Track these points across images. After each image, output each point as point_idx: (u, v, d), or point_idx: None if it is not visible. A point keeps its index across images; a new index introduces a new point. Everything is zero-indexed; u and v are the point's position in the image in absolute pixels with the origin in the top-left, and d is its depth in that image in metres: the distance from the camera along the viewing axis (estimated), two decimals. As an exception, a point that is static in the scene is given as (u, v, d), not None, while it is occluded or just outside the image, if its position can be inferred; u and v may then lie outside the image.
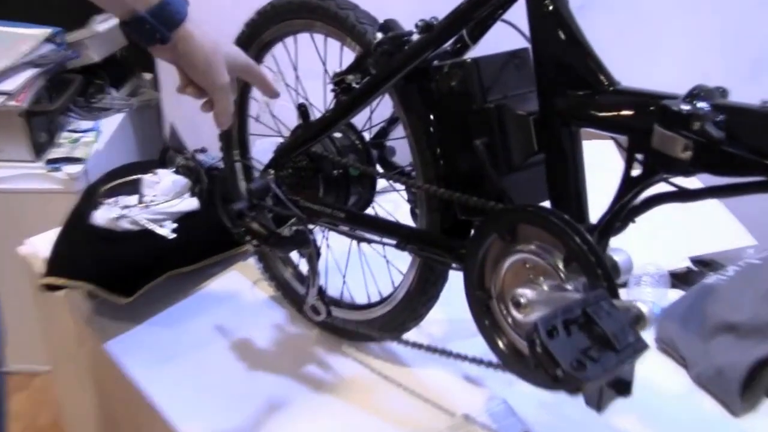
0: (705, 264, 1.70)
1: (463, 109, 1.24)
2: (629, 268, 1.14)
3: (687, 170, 0.98)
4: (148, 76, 3.36)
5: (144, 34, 1.14)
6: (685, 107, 0.95)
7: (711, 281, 1.52)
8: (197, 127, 2.26)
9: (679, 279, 1.70)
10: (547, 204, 1.19)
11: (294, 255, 1.76)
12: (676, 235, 1.79)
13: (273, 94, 1.39)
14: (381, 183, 1.59)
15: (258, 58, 1.69)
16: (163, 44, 1.15)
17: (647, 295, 1.64)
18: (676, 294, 1.66)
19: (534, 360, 0.92)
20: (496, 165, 1.22)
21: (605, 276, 1.04)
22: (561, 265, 1.10)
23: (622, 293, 1.63)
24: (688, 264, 1.73)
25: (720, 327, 1.40)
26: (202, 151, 2.07)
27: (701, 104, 0.96)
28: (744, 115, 0.94)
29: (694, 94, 0.97)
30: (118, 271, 1.73)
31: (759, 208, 1.91)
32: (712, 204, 1.95)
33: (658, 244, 1.71)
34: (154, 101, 3.20)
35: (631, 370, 1.02)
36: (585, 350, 0.93)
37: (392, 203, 1.60)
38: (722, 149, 0.93)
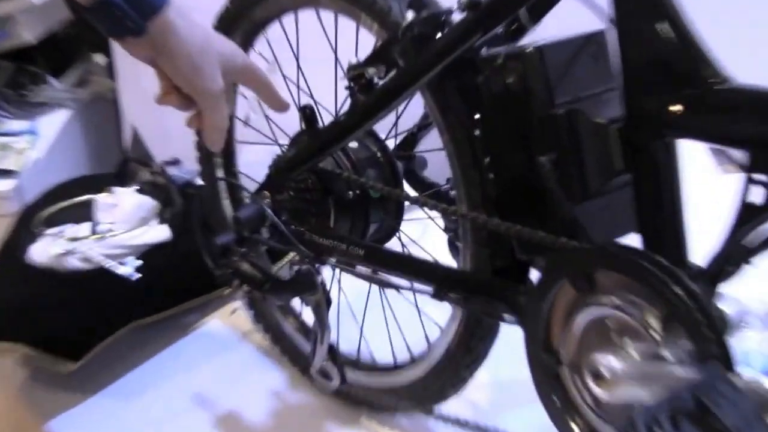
0: None
1: (523, 115, 1.22)
2: (744, 320, 1.10)
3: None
4: (100, 59, 3.32)
5: (112, 22, 1.10)
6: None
7: None
8: (167, 131, 2.26)
9: None
10: (634, 240, 1.17)
11: (297, 302, 1.73)
12: None
13: (281, 106, 1.35)
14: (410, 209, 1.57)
15: (247, 43, 1.70)
16: (136, 37, 1.12)
17: (755, 343, 1.61)
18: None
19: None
20: (567, 189, 1.20)
21: (717, 341, 1.01)
22: (656, 325, 1.08)
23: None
24: None
25: None
26: (174, 163, 2.07)
27: None
28: None
29: None
30: (64, 326, 1.71)
31: None
32: None
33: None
34: (109, 93, 3.17)
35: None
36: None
37: (420, 223, 1.60)
38: None
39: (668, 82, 1.09)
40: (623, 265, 1.10)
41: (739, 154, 1.03)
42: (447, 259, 1.46)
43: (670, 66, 1.08)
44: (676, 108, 1.08)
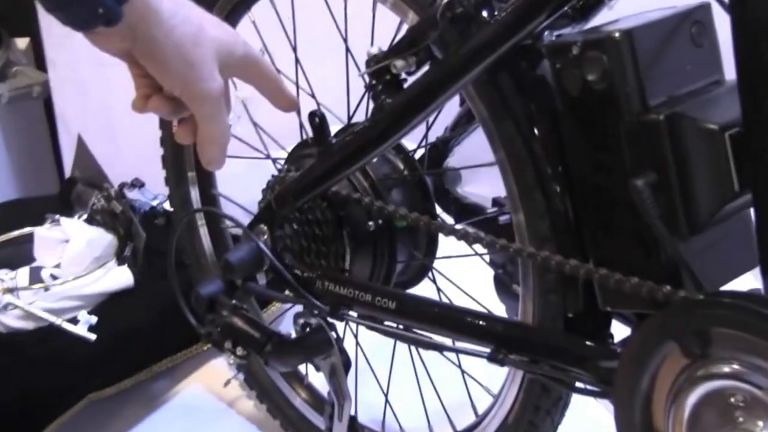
0: None
1: (610, 123, 1.20)
2: None
3: None
4: (22, 44, 3.29)
5: (80, 10, 1.06)
6: None
7: None
8: (121, 141, 2.22)
9: None
10: (755, 283, 1.13)
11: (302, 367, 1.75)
12: None
13: (289, 104, 1.33)
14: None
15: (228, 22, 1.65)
16: (109, 26, 1.07)
17: None
18: None
19: None
20: (670, 220, 1.16)
21: None
22: None
23: None
24: None
25: None
26: (135, 185, 2.04)
27: None
28: None
29: None
30: (4, 404, 1.69)
31: None
32: None
33: None
34: (38, 89, 3.14)
35: None
36: None
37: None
38: None
39: None
40: (752, 321, 1.05)
41: None
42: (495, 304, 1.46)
43: None
44: None
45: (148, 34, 1.09)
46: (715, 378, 1.09)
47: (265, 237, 1.51)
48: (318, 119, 1.47)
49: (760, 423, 1.07)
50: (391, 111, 1.37)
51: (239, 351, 1.48)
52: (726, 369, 1.08)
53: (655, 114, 1.15)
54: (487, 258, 1.54)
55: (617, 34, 1.17)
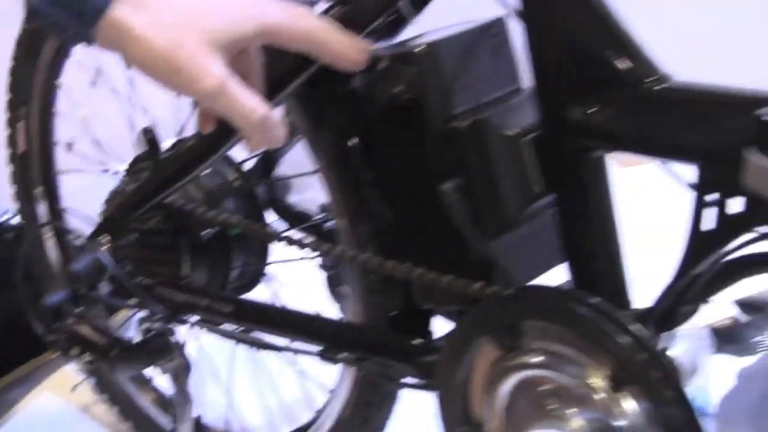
0: (759, 308, 1.70)
1: (418, 131, 1.21)
2: (695, 365, 1.14)
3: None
4: None
5: (55, 31, 1.04)
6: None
7: None
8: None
9: (727, 336, 1.71)
10: (562, 278, 1.17)
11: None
12: None
13: (356, 61, 1.18)
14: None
15: (63, 49, 1.67)
16: (89, 45, 1.06)
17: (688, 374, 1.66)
18: (725, 364, 1.66)
19: None
20: (479, 221, 1.19)
21: (681, 401, 1.01)
22: (599, 386, 1.07)
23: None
24: (734, 313, 1.76)
25: None
26: None
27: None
28: None
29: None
30: None
31: None
32: None
33: None
34: None
35: None
36: None
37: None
38: None
39: (594, 82, 1.08)
40: (558, 312, 1.09)
41: (689, 170, 1.03)
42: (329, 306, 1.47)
43: (596, 64, 1.08)
44: (605, 114, 1.08)
45: (126, 52, 1.06)
46: (526, 368, 1.12)
47: (106, 247, 1.49)
48: (149, 134, 1.47)
49: (570, 410, 1.09)
50: (217, 126, 1.34)
51: (85, 357, 1.48)
52: (536, 359, 1.11)
53: (459, 122, 1.17)
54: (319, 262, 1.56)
55: (421, 48, 1.18)
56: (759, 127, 0.92)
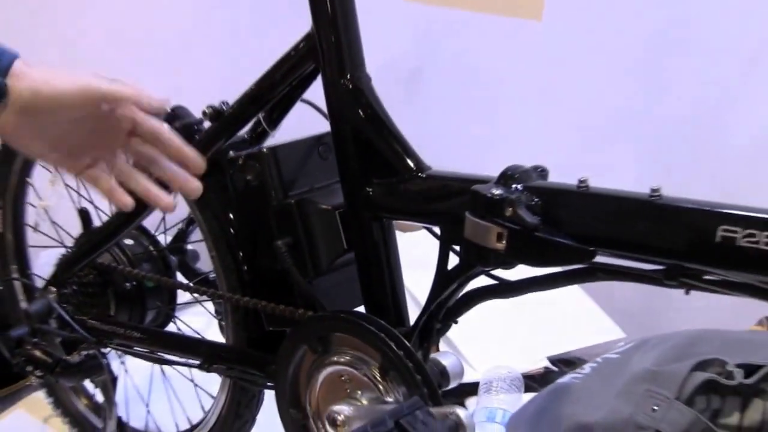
0: (568, 363, 1.71)
1: (262, 206, 1.24)
2: (459, 371, 1.17)
3: (504, 261, 0.98)
4: None
5: None
6: (497, 191, 0.96)
7: (565, 380, 1.54)
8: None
9: (536, 381, 1.71)
10: (362, 309, 1.20)
11: (90, 385, 1.71)
12: (533, 333, 1.82)
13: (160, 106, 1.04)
14: (185, 296, 1.56)
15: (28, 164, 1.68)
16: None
17: (499, 402, 1.66)
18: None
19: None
20: (301, 268, 1.21)
21: (425, 382, 1.05)
22: (378, 376, 1.11)
23: (471, 403, 1.70)
24: (546, 364, 1.76)
25: (574, 428, 1.41)
26: None
27: (515, 186, 0.97)
28: (560, 196, 0.96)
29: (507, 176, 0.99)
30: None
31: (625, 299, 2.00)
32: (576, 297, 2.01)
33: (514, 345, 1.74)
34: None
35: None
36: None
37: (204, 318, 1.59)
38: (538, 236, 0.94)
39: (378, 173, 1.13)
40: (349, 327, 1.13)
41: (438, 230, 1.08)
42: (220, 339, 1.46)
43: (379, 159, 1.13)
44: (386, 193, 1.13)
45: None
46: (332, 365, 1.16)
47: (53, 294, 1.50)
48: (84, 213, 1.51)
49: (359, 392, 1.14)
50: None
51: (37, 372, 1.48)
52: (338, 359, 1.15)
53: (290, 200, 1.21)
54: (210, 307, 1.56)
55: (265, 150, 1.23)
56: (472, 197, 0.97)
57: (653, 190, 0.89)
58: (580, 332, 1.89)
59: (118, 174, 1.02)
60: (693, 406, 1.24)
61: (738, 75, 2.22)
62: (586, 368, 1.52)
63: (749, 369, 1.26)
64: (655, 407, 1.25)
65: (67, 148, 1.00)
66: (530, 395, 1.61)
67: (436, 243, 1.09)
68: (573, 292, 1.96)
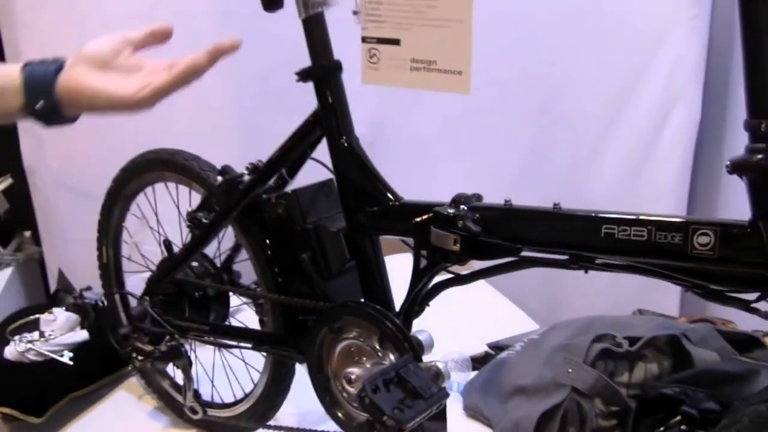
0: (500, 348, 1.69)
1: (289, 231, 1.27)
2: (431, 343, 1.20)
3: (459, 258, 1.06)
4: (27, 233, 3.21)
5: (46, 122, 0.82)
6: (451, 211, 1.05)
7: (503, 356, 1.56)
8: (78, 269, 2.27)
9: (478, 362, 1.69)
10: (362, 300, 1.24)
11: (170, 369, 1.69)
12: (474, 326, 1.84)
13: (164, 35, 0.90)
14: (235, 301, 1.60)
15: (124, 207, 1.70)
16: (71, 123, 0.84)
17: (455, 377, 1.64)
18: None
19: (364, 410, 1.00)
20: (319, 273, 1.25)
21: (411, 348, 1.11)
22: (377, 346, 1.16)
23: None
24: (486, 349, 1.77)
25: (513, 390, 1.42)
26: (88, 289, 2.04)
27: (462, 207, 1.06)
28: (492, 211, 1.05)
29: (456, 201, 1.07)
30: (30, 395, 1.69)
31: (538, 300, 2.07)
32: (500, 301, 2.05)
33: (461, 334, 1.74)
34: (37, 255, 3.10)
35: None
36: (402, 400, 1.00)
37: (247, 315, 1.60)
38: (481, 240, 1.03)
39: (368, 203, 1.19)
40: (356, 312, 1.18)
41: (411, 240, 1.13)
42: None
43: (368, 194, 1.19)
44: (374, 218, 1.18)
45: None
46: (344, 340, 1.20)
47: (147, 302, 1.53)
48: (167, 244, 1.51)
49: (364, 358, 1.17)
50: (196, 237, 1.43)
51: (139, 358, 1.51)
52: (349, 335, 1.19)
53: (308, 225, 1.25)
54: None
55: (289, 192, 1.27)
56: (434, 216, 1.05)
57: (555, 205, 0.97)
58: (505, 325, 1.92)
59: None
60: (595, 368, 1.28)
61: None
62: (517, 347, 1.53)
63: (632, 340, 1.31)
64: (570, 370, 1.29)
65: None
66: (476, 373, 1.63)
67: (406, 264, 1.14)
68: (495, 296, 2.03)
